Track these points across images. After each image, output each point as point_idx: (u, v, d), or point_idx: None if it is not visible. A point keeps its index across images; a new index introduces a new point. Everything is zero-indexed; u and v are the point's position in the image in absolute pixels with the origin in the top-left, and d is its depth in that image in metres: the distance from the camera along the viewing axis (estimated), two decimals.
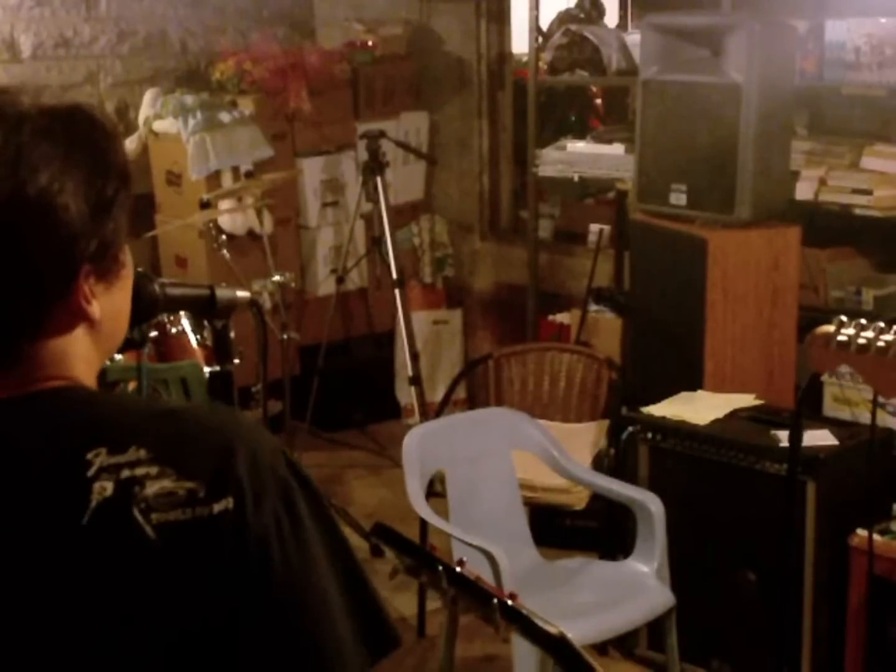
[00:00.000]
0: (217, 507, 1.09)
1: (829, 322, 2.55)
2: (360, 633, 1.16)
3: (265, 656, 1.11)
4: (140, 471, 1.09)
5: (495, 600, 1.47)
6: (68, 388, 1.16)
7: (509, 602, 1.47)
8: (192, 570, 1.09)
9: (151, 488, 1.09)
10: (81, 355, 1.17)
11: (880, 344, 2.44)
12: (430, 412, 4.93)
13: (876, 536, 3.19)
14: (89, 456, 1.09)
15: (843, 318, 2.54)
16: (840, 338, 2.49)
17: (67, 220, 1.11)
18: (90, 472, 1.09)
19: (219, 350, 1.86)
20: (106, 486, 1.09)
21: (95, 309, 1.16)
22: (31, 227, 1.10)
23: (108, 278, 1.18)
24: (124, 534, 1.08)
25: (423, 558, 1.53)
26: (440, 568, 1.51)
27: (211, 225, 4.75)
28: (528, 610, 1.47)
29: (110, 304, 1.19)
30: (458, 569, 1.51)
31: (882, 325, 2.48)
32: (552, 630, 1.46)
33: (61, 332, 1.15)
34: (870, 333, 2.46)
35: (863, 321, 2.52)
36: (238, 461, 1.11)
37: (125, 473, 1.09)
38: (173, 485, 1.09)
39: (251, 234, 5.25)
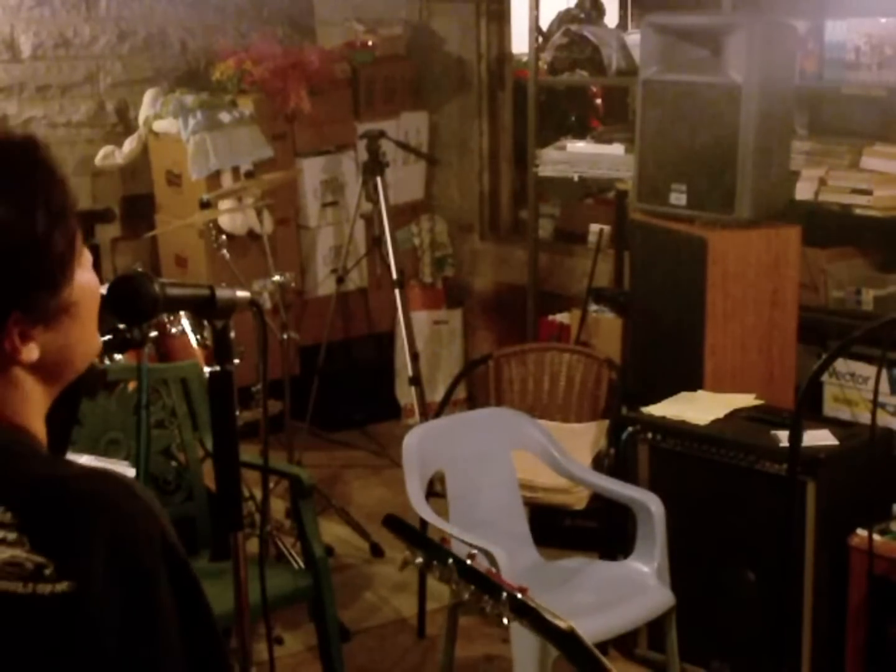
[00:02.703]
0: (59, 588, 1.06)
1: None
2: None
3: None
4: None
5: (505, 594, 1.47)
6: None
7: (519, 596, 1.47)
8: (20, 646, 1.06)
9: (4, 554, 1.07)
10: (20, 394, 1.15)
11: None
12: (430, 412, 4.93)
13: (876, 536, 3.19)
14: None
15: None
16: None
17: None
18: None
19: (219, 350, 1.86)
20: None
21: (32, 351, 1.13)
22: None
23: (48, 319, 1.14)
24: None
25: (434, 551, 1.53)
26: (451, 561, 1.51)
27: (211, 225, 4.75)
28: (538, 604, 1.47)
29: (54, 340, 1.15)
30: (468, 562, 1.51)
31: None
32: (561, 624, 1.46)
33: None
34: None
35: None
36: (97, 546, 1.08)
37: None
38: (24, 555, 1.07)
39: (251, 234, 5.25)
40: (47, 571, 1.07)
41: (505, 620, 1.47)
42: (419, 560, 1.55)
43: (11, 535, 1.07)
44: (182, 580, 1.14)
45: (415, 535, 1.59)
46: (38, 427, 1.19)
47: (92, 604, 1.07)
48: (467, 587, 1.50)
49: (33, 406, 1.18)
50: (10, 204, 1.10)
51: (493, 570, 1.54)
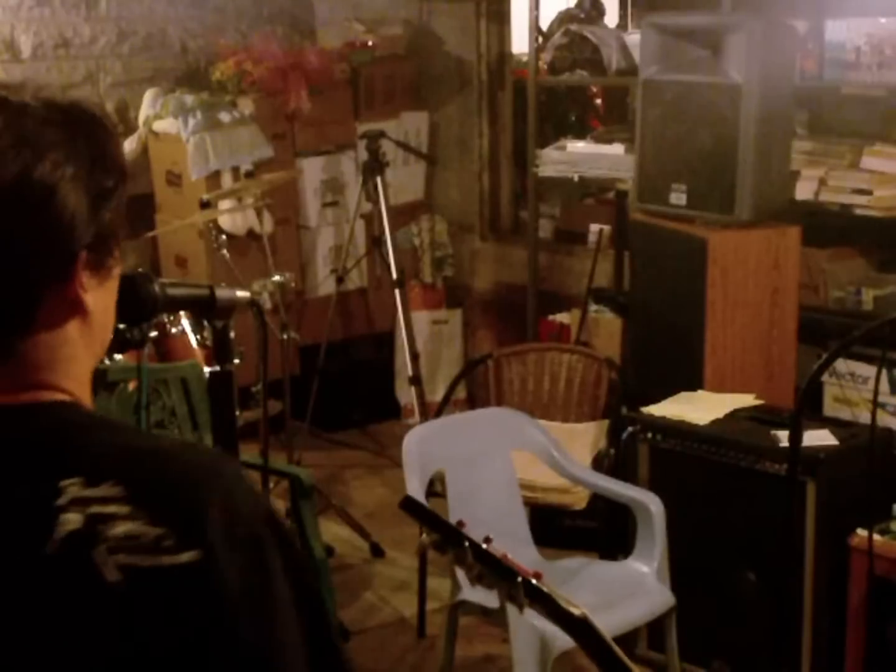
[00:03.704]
0: (184, 558, 1.05)
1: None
2: None
3: None
4: (111, 508, 1.06)
5: (520, 578, 1.47)
6: (62, 405, 1.13)
7: (534, 581, 1.47)
8: (150, 618, 1.05)
9: (121, 528, 1.05)
10: (73, 355, 1.15)
11: None
12: (430, 412, 4.93)
13: (876, 536, 3.19)
14: (64, 483, 1.06)
15: None
16: None
17: (69, 205, 1.10)
18: (61, 501, 1.06)
19: (219, 350, 1.86)
20: (73, 519, 1.05)
21: (91, 300, 1.15)
22: (35, 209, 1.09)
23: (102, 272, 1.17)
24: (84, 571, 1.04)
25: (450, 534, 1.53)
26: (467, 544, 1.51)
27: (211, 225, 4.75)
28: (552, 590, 1.47)
29: (101, 300, 1.17)
30: (484, 546, 1.51)
31: None
32: (575, 611, 1.46)
33: (55, 324, 1.13)
34: None
35: None
36: (213, 513, 1.07)
37: (95, 508, 1.06)
38: (142, 528, 1.06)
39: (251, 234, 5.25)
40: (168, 543, 1.05)
41: (520, 605, 1.47)
42: (435, 542, 1.55)
43: (124, 509, 1.06)
44: (289, 549, 1.14)
45: (432, 517, 1.59)
46: (87, 401, 1.19)
47: (216, 572, 1.06)
48: (482, 570, 1.50)
49: (84, 373, 1.18)
50: (86, 156, 1.13)
51: (508, 554, 1.53)
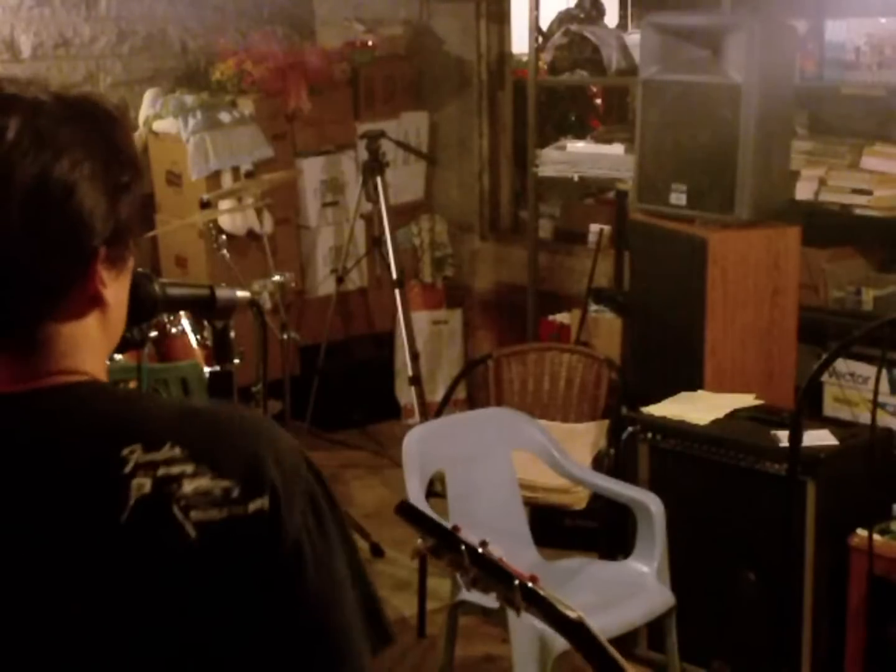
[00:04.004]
0: (252, 507, 1.10)
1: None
2: (367, 627, 1.18)
3: (295, 648, 1.12)
4: (176, 469, 1.09)
5: (517, 582, 1.47)
6: (93, 383, 1.16)
7: (530, 584, 1.47)
8: (231, 568, 1.09)
9: (189, 486, 1.09)
10: (92, 345, 1.17)
11: None
12: (430, 412, 4.93)
13: (876, 536, 3.19)
14: (125, 452, 1.09)
15: None
16: None
17: (88, 203, 1.12)
18: (127, 469, 1.08)
19: (219, 350, 1.86)
20: (144, 483, 1.08)
21: (109, 293, 1.17)
22: (55, 208, 1.11)
23: (119, 265, 1.18)
24: (165, 532, 1.08)
25: (446, 538, 1.53)
26: (463, 548, 1.51)
27: (211, 225, 4.75)
28: (549, 593, 1.47)
29: (117, 292, 1.19)
30: (480, 550, 1.51)
31: None
32: (571, 614, 1.46)
33: (77, 316, 1.15)
34: None
35: None
36: (268, 462, 1.12)
37: (162, 471, 1.09)
38: (210, 483, 1.09)
39: (251, 234, 5.25)
40: (235, 493, 1.09)
41: (516, 609, 1.47)
42: (431, 547, 1.55)
43: (189, 468, 1.09)
44: (328, 492, 1.19)
45: (427, 521, 1.59)
46: None
47: (283, 517, 1.11)
48: (478, 574, 1.50)
49: (101, 363, 1.20)
50: (103, 152, 1.15)
51: (504, 558, 1.53)
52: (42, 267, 1.11)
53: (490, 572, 1.50)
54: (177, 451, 1.10)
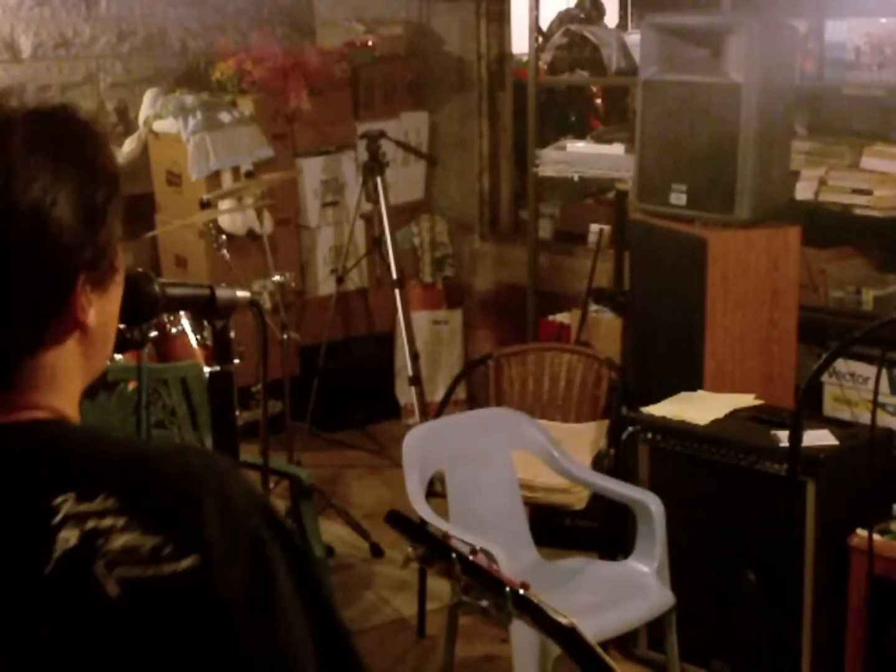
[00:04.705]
0: (182, 565, 1.04)
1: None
2: None
3: None
4: (106, 522, 1.05)
5: (508, 589, 1.47)
6: (46, 423, 1.12)
7: (521, 591, 1.47)
8: (156, 629, 1.04)
9: (117, 541, 1.04)
10: (72, 368, 1.15)
11: None
12: (430, 412, 4.93)
13: (876, 536, 3.19)
14: (57, 501, 1.05)
15: None
16: None
17: (61, 231, 1.09)
18: (56, 520, 1.04)
19: (219, 350, 1.86)
20: (70, 537, 1.04)
21: (92, 317, 1.14)
22: (26, 241, 1.07)
23: (104, 285, 1.16)
24: (85, 588, 1.04)
25: (436, 546, 1.53)
26: (453, 556, 1.50)
27: (211, 225, 4.75)
28: (540, 600, 1.47)
29: (103, 310, 1.16)
30: (470, 557, 1.51)
31: None
32: (563, 620, 1.46)
33: (56, 343, 1.12)
34: None
35: None
36: (208, 515, 1.07)
37: (91, 524, 1.05)
38: (139, 539, 1.04)
39: (251, 234, 5.25)
40: (166, 551, 1.04)
41: (506, 616, 1.47)
42: (421, 556, 1.55)
43: (120, 521, 1.05)
44: (289, 542, 1.12)
45: (417, 530, 1.59)
46: (75, 416, 1.18)
47: (217, 575, 1.05)
48: (469, 582, 1.50)
49: (80, 384, 1.17)
50: (74, 175, 1.11)
51: (495, 566, 1.53)
52: (17, 301, 1.08)
53: (481, 580, 1.50)
54: (110, 502, 1.05)
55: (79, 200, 1.11)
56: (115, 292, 1.19)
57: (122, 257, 1.21)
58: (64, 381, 1.14)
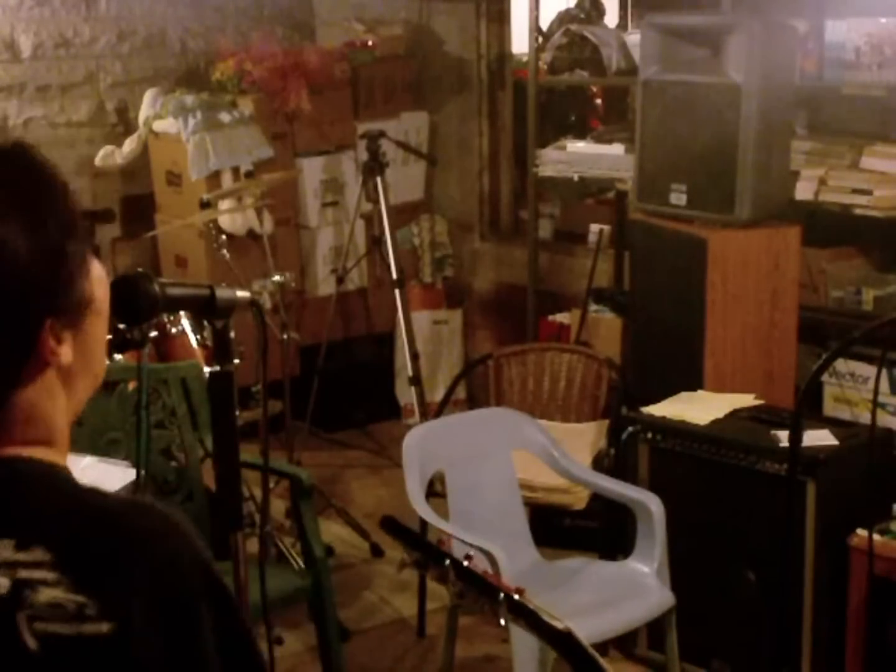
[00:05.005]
0: (104, 627, 1.04)
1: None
2: None
3: None
4: (38, 574, 1.05)
5: (502, 595, 1.47)
6: (8, 463, 1.12)
7: (516, 597, 1.47)
8: None
9: (44, 595, 1.04)
10: (52, 402, 1.15)
11: None
12: (430, 412, 4.93)
13: (876, 536, 3.18)
14: None
15: None
16: None
17: (24, 282, 1.08)
18: None
19: (219, 350, 1.86)
20: (1, 584, 1.05)
21: (66, 354, 1.13)
22: None
23: (76, 324, 1.14)
24: (7, 637, 1.04)
25: (430, 552, 1.53)
26: (447, 562, 1.51)
27: (211, 225, 4.75)
28: (535, 605, 1.47)
29: (82, 341, 1.15)
30: (465, 563, 1.51)
31: None
32: (558, 625, 1.46)
33: (30, 381, 1.12)
34: None
35: None
36: (139, 580, 1.06)
37: (23, 574, 1.05)
38: (65, 596, 1.04)
39: (251, 234, 5.25)
40: (90, 611, 1.04)
41: (502, 621, 1.47)
42: (416, 561, 1.55)
43: (51, 575, 1.05)
44: (227, 621, 1.12)
45: (411, 536, 1.59)
46: (64, 438, 1.18)
47: (134, 646, 1.05)
48: (464, 588, 1.50)
49: (63, 415, 1.17)
50: (20, 221, 1.09)
51: (490, 571, 1.53)
52: None
53: (475, 586, 1.50)
54: (45, 555, 1.05)
55: (40, 249, 1.09)
56: (94, 323, 1.17)
57: (100, 278, 1.18)
58: (45, 414, 1.14)
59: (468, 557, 1.53)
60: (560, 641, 1.46)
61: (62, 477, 1.15)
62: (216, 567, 1.13)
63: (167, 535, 1.11)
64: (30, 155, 1.14)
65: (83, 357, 1.16)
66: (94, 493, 1.13)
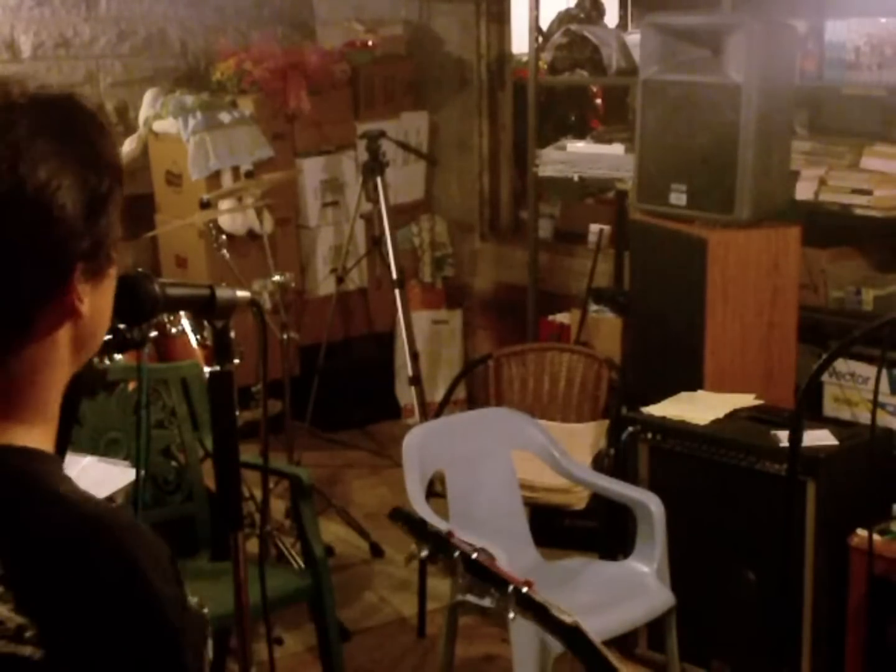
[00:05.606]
0: (38, 654, 1.00)
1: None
2: None
3: None
4: None
5: (511, 587, 1.47)
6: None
7: (525, 590, 1.47)
8: None
9: None
10: (59, 360, 1.13)
11: None
12: (430, 412, 4.93)
13: (876, 536, 3.19)
14: None
15: None
16: None
17: (64, 217, 1.08)
18: None
19: (219, 350, 1.86)
20: None
21: (86, 307, 1.12)
22: (29, 225, 1.06)
23: (98, 277, 1.14)
24: None
25: (439, 544, 1.53)
26: (457, 554, 1.50)
27: (211, 225, 4.75)
28: (544, 598, 1.47)
29: (95, 303, 1.14)
30: (474, 556, 1.51)
31: None
32: (566, 619, 1.46)
33: (47, 332, 1.10)
34: None
35: None
36: (82, 605, 1.02)
37: None
38: (7, 614, 1.01)
39: (251, 234, 5.25)
40: (28, 634, 1.01)
41: (510, 615, 1.47)
42: (424, 553, 1.55)
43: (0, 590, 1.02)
44: (174, 653, 1.07)
45: (421, 527, 1.59)
46: (53, 411, 1.15)
47: (70, 668, 1.01)
48: (472, 581, 1.50)
49: (63, 377, 1.15)
50: (79, 162, 1.10)
51: (503, 561, 1.53)
52: (17, 284, 1.07)
53: (484, 578, 1.50)
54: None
55: (82, 188, 1.10)
56: (109, 286, 1.17)
57: (117, 255, 1.19)
58: (51, 371, 1.12)
59: (477, 550, 1.53)
60: (568, 635, 1.46)
61: (34, 477, 1.10)
62: (170, 604, 1.07)
63: (123, 570, 1.05)
64: (81, 103, 1.15)
65: (92, 321, 1.15)
66: (63, 504, 1.08)
